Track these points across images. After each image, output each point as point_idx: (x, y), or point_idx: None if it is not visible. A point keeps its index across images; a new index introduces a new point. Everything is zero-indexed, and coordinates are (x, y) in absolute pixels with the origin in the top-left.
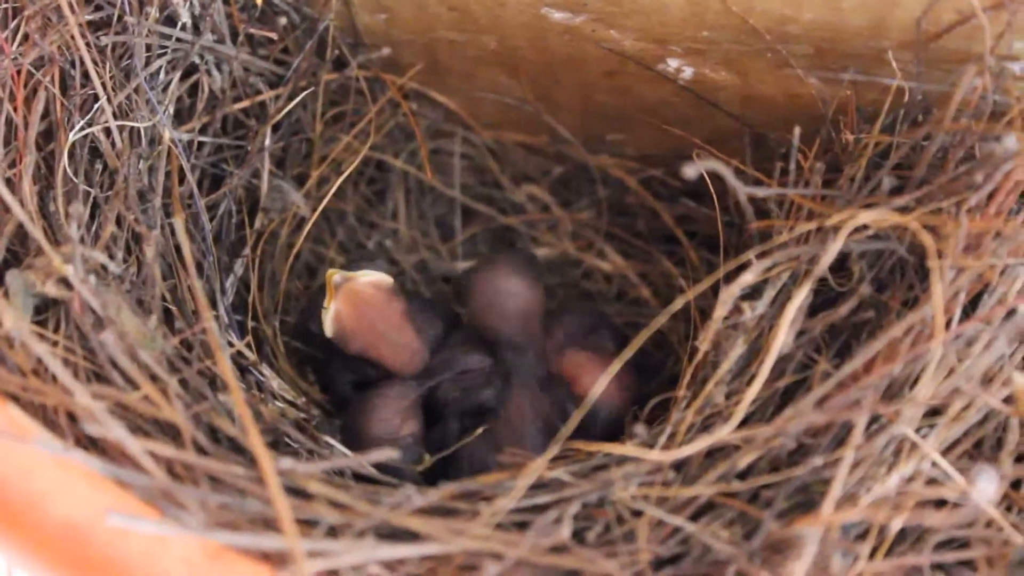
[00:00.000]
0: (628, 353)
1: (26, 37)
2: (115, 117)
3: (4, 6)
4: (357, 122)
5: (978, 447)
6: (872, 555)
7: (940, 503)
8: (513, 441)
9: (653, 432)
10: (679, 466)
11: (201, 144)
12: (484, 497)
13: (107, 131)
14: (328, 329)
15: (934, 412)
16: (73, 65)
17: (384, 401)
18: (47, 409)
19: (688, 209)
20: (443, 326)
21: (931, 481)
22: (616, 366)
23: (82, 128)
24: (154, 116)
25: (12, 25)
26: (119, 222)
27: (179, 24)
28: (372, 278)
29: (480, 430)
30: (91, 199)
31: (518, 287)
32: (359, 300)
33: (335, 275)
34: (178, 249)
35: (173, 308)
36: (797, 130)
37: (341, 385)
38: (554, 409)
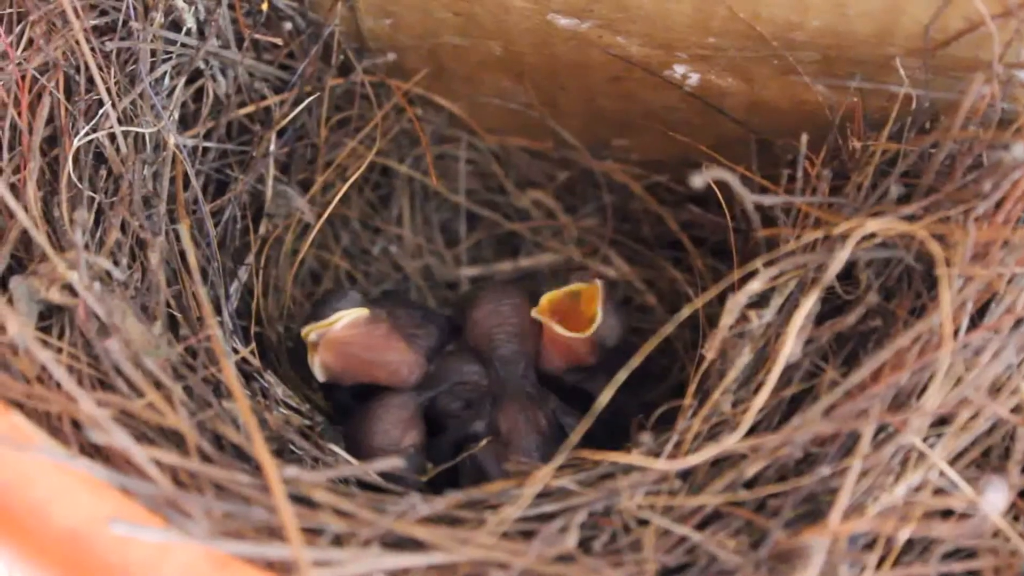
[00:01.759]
0: (636, 360)
1: (31, 42)
2: (120, 123)
3: (9, 11)
4: (362, 127)
5: (986, 456)
6: (879, 565)
7: (947, 513)
8: (510, 456)
9: (659, 441)
10: (685, 475)
11: (206, 150)
12: (490, 506)
13: (112, 137)
14: (319, 377)
15: (942, 421)
16: (78, 70)
17: (385, 412)
18: (51, 416)
19: (694, 215)
20: (439, 332)
21: (939, 491)
22: (624, 374)
23: (87, 134)
24: (159, 122)
25: (17, 30)
26: (123, 228)
27: (184, 29)
28: (345, 320)
29: (483, 442)
30: (95, 205)
31: (520, 302)
32: (339, 345)
33: (310, 334)
34: (183, 255)
35: (178, 315)
36: (804, 137)
37: (341, 397)
38: (549, 421)
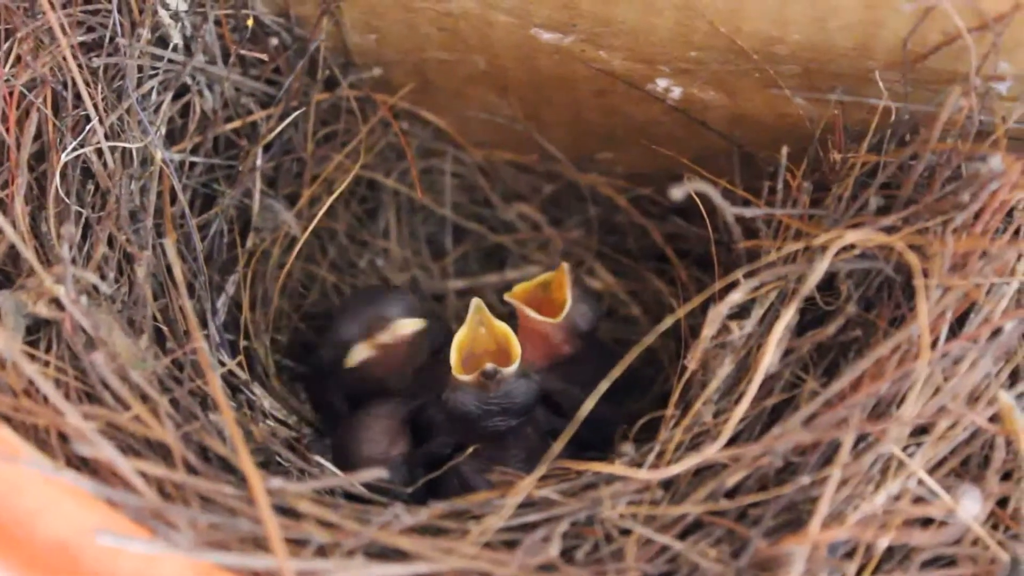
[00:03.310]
0: (617, 371)
1: (18, 59)
2: (107, 138)
3: None
4: (348, 141)
5: (964, 465)
6: (859, 573)
7: (927, 521)
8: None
9: (642, 451)
10: (667, 484)
11: (193, 164)
12: (473, 516)
13: (99, 152)
14: (354, 362)
15: (921, 431)
16: (65, 86)
17: (373, 421)
18: (38, 429)
19: (678, 227)
20: (430, 340)
21: (918, 499)
22: (605, 385)
23: (74, 149)
24: (146, 137)
25: (4, 47)
26: (111, 243)
27: (171, 45)
28: (409, 330)
29: (469, 451)
30: (83, 220)
31: None
32: (387, 348)
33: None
34: (169, 269)
35: (164, 328)
36: (785, 149)
37: (336, 402)
38: (535, 432)
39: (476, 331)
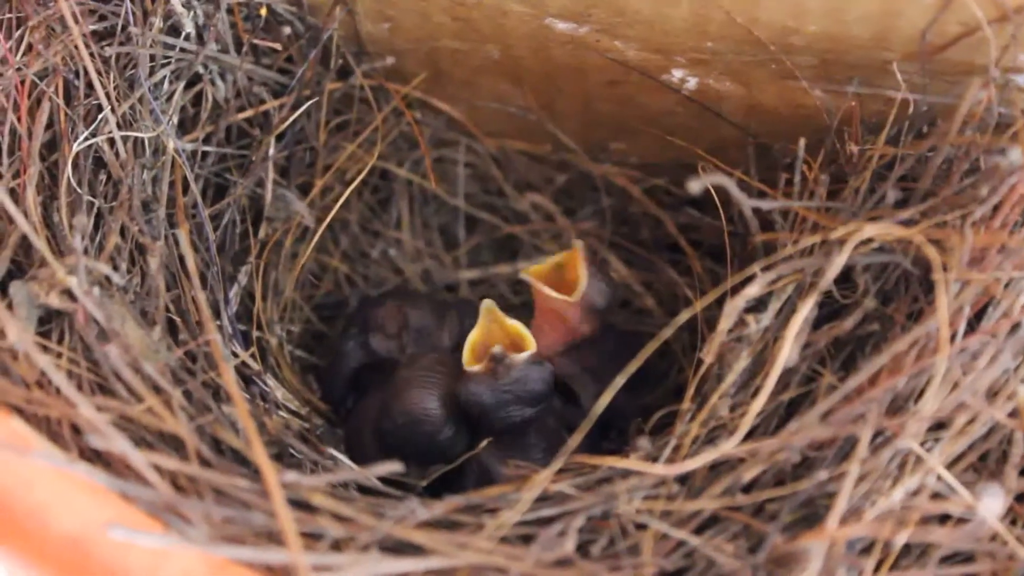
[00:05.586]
0: (634, 364)
1: (30, 47)
2: (119, 127)
3: (8, 16)
4: (361, 131)
5: (983, 461)
6: (877, 569)
7: (945, 517)
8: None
9: (657, 445)
10: (683, 479)
11: (205, 154)
12: (488, 510)
13: (111, 141)
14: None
15: (939, 426)
16: (77, 75)
17: None
18: (51, 421)
19: (692, 218)
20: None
21: (936, 495)
22: (621, 379)
23: (86, 138)
24: (158, 126)
25: (16, 35)
26: (123, 233)
27: (183, 34)
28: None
29: (485, 443)
30: (95, 210)
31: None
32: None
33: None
34: (182, 260)
35: (177, 319)
36: (802, 141)
37: (341, 383)
38: (557, 423)
39: (489, 329)
